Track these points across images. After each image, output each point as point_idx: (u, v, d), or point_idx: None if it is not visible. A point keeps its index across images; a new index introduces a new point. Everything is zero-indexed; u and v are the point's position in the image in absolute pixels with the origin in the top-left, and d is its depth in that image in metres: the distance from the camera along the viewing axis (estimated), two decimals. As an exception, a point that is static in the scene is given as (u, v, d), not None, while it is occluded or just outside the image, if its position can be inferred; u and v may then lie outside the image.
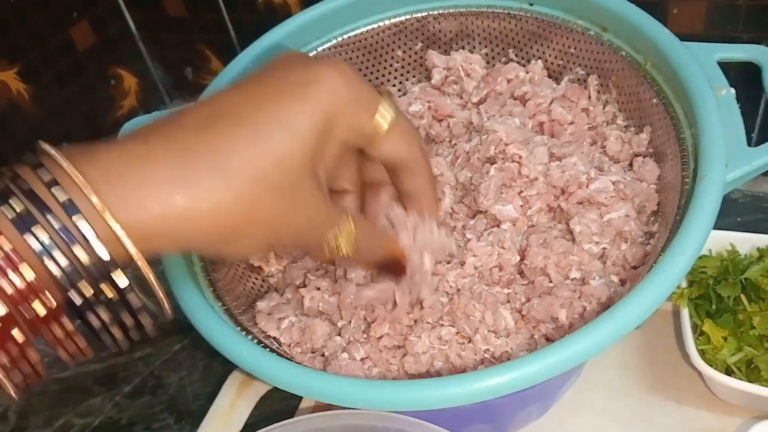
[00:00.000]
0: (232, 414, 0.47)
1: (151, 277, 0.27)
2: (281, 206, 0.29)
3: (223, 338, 0.35)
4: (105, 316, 0.27)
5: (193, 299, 0.38)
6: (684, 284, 0.48)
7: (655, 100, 0.43)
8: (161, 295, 0.28)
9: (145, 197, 0.26)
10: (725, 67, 0.42)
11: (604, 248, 0.40)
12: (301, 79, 0.30)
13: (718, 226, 0.51)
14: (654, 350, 0.51)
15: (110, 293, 0.26)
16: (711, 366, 0.44)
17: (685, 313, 0.46)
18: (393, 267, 0.37)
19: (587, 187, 0.42)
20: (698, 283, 0.47)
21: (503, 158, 0.44)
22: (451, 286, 0.40)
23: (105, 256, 0.25)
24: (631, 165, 0.44)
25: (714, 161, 0.35)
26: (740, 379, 0.42)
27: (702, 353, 0.45)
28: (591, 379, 0.50)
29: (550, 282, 0.40)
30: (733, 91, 0.39)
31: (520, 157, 0.43)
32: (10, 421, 0.57)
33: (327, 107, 0.30)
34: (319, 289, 0.43)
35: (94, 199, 0.25)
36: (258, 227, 0.29)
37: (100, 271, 0.25)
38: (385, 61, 0.54)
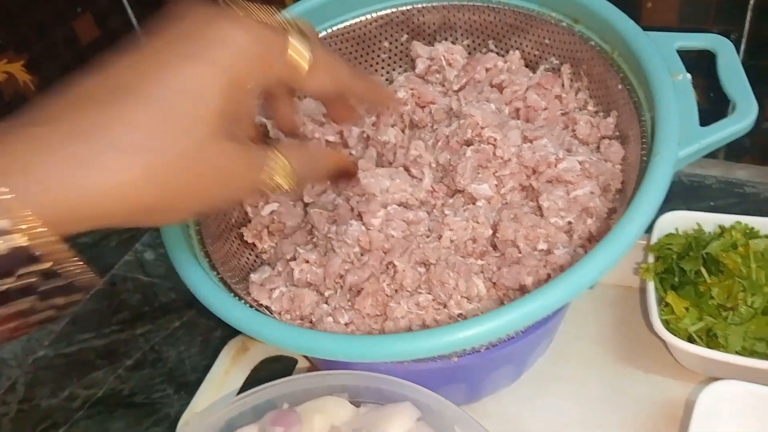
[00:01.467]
0: (227, 380, 0.50)
1: (69, 258, 0.27)
2: (193, 173, 0.28)
3: (217, 300, 0.38)
4: (31, 299, 0.27)
5: (190, 267, 0.41)
6: (651, 260, 0.51)
7: (620, 87, 0.46)
8: (81, 269, 0.28)
9: (52, 184, 0.26)
10: (686, 54, 0.45)
11: (570, 222, 0.43)
12: (202, 40, 0.29)
13: (691, 209, 0.55)
14: (623, 324, 0.55)
15: (33, 278, 0.26)
16: (674, 335, 0.47)
17: (651, 286, 0.50)
18: (344, 173, 0.40)
19: (556, 166, 0.45)
20: (664, 258, 0.51)
21: (479, 141, 0.47)
22: (428, 258, 0.43)
23: (21, 243, 0.25)
24: (598, 147, 0.47)
25: (667, 139, 0.38)
26: (701, 346, 0.45)
27: (666, 323, 0.48)
28: (563, 351, 0.53)
29: (519, 253, 0.43)
30: (689, 76, 0.42)
31: (495, 140, 0.47)
32: (18, 393, 0.60)
33: (232, 66, 0.29)
34: (307, 261, 0.46)
35: (4, 190, 0.25)
36: (174, 198, 0.28)
37: (20, 259, 0.25)
38: (373, 51, 0.58)
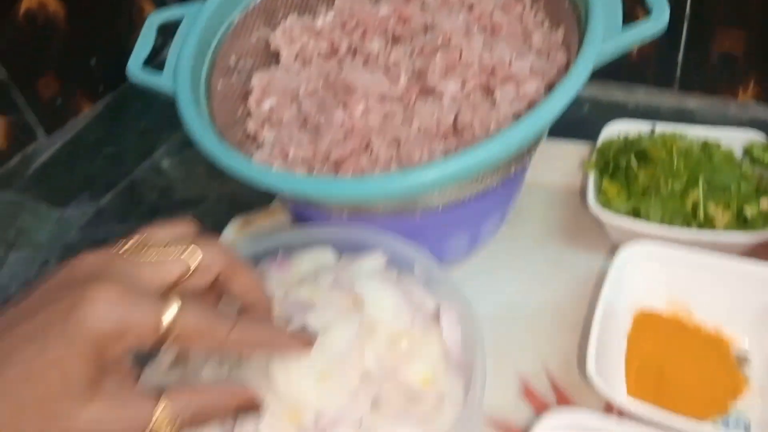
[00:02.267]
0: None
1: None
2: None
3: (229, 157, 0.48)
4: None
5: (199, 126, 0.50)
6: (594, 157, 0.60)
7: (567, 5, 0.55)
8: None
9: None
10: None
11: (518, 111, 0.52)
12: (60, 315, 0.29)
13: None
14: (567, 215, 0.64)
15: None
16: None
17: (591, 177, 0.59)
18: (248, 408, 0.37)
19: (510, 67, 0.54)
20: (603, 154, 0.60)
21: (448, 47, 0.56)
22: (400, 137, 0.52)
23: None
24: (548, 55, 0.56)
25: (593, 36, 0.47)
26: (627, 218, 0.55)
27: (601, 208, 0.57)
28: (513, 234, 0.63)
29: (475, 135, 0.52)
30: (618, -12, 0.50)
31: (461, 46, 0.55)
32: (51, 270, 0.70)
33: (92, 337, 0.29)
34: (300, 143, 0.55)
35: None
36: None
37: None
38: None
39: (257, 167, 0.47)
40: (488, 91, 0.55)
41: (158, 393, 0.32)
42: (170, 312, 0.32)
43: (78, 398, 0.29)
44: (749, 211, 0.51)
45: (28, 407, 0.28)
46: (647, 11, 0.49)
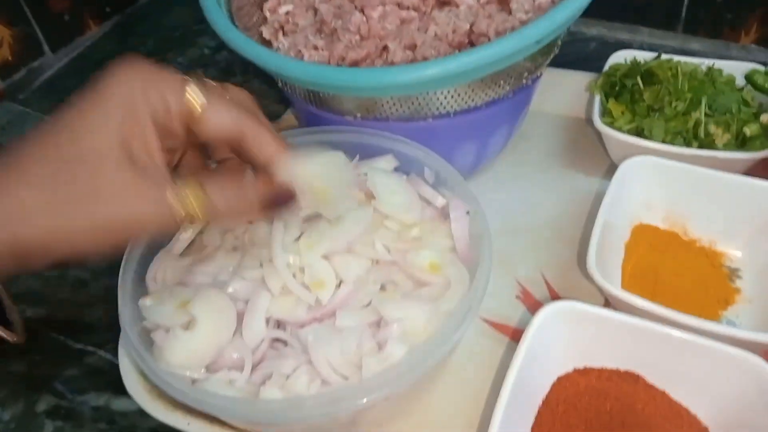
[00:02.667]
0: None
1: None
2: (90, 200, 0.31)
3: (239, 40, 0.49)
4: None
5: (225, 23, 0.51)
6: (600, 79, 0.62)
7: None
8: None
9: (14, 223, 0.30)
10: None
11: (531, 17, 0.53)
12: (101, 84, 0.33)
13: None
14: (571, 141, 0.66)
15: None
16: (613, 136, 0.58)
17: (596, 97, 0.60)
18: (280, 201, 0.37)
19: (526, -20, 0.54)
20: (609, 77, 0.61)
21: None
22: (416, 42, 0.53)
23: None
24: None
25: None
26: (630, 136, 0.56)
27: (609, 125, 0.59)
28: (517, 159, 0.64)
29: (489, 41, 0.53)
30: None
31: (478, -41, 0.56)
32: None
33: (125, 102, 0.32)
34: (316, 48, 0.56)
35: None
36: (72, 228, 0.31)
37: None
38: None
39: (281, 57, 0.48)
40: (504, 3, 0.56)
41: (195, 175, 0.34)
42: (193, 85, 0.34)
43: (107, 156, 0.31)
44: (748, 130, 0.53)
45: (70, 167, 0.31)
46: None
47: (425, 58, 0.52)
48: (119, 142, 0.31)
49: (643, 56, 0.63)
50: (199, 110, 0.34)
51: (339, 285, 0.45)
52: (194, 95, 0.34)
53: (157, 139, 0.33)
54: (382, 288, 0.46)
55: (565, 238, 0.58)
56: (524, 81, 0.53)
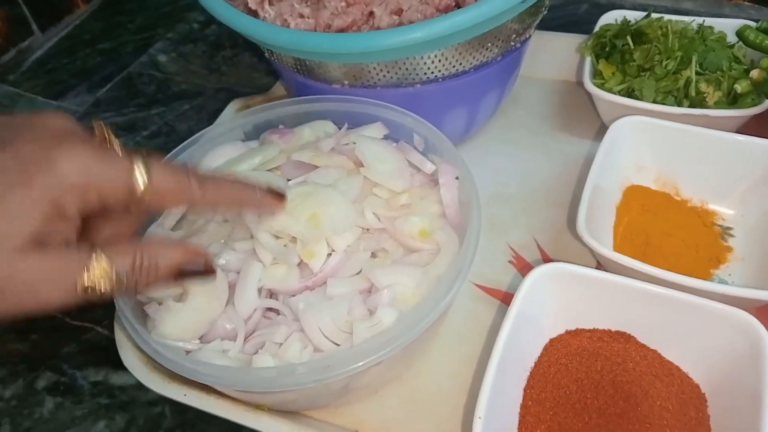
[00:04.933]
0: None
1: None
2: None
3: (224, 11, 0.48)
4: None
5: None
6: (591, 41, 0.61)
7: None
8: None
9: None
10: None
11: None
12: (33, 167, 0.31)
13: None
14: (563, 105, 0.66)
15: None
16: (602, 98, 0.57)
17: (587, 58, 0.59)
18: (195, 270, 0.36)
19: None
20: (600, 38, 0.60)
21: None
22: (402, 6, 0.52)
23: None
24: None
25: None
26: (620, 96, 0.56)
27: (600, 86, 0.58)
28: (510, 124, 0.64)
29: (476, 5, 0.52)
30: None
31: None
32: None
33: (54, 193, 0.31)
34: (302, 15, 0.55)
35: None
36: None
37: None
38: None
39: (267, 26, 0.48)
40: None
41: (92, 248, 0.33)
42: (141, 169, 0.33)
43: (19, 244, 0.30)
44: (739, 87, 0.52)
45: None
46: None
47: (411, 23, 0.51)
48: (35, 230, 0.31)
49: (634, 16, 0.62)
50: (141, 189, 0.33)
51: (330, 254, 0.45)
52: (138, 176, 0.33)
53: (77, 229, 0.33)
54: (373, 255, 0.46)
55: (557, 202, 0.57)
56: (513, 44, 0.53)
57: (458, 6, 0.54)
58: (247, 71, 0.53)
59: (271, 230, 0.44)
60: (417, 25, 0.45)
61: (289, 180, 0.48)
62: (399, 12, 0.53)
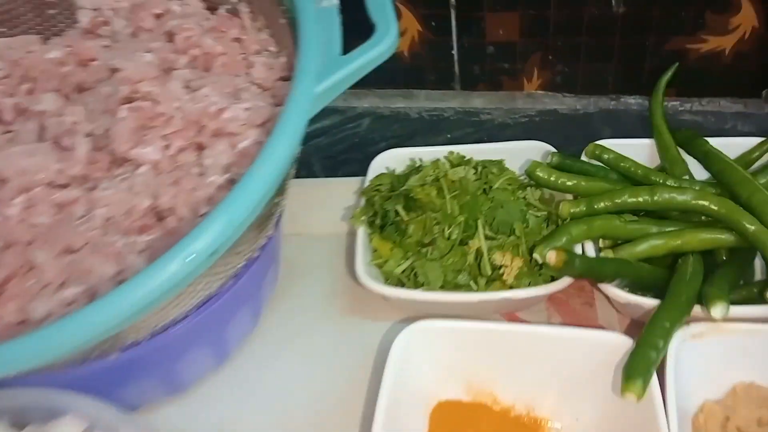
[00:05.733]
0: None
1: None
2: None
3: None
4: None
5: None
6: (361, 204, 0.48)
7: (283, 21, 0.42)
8: None
9: None
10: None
11: (233, 179, 0.39)
12: None
13: (429, 144, 0.52)
14: (344, 274, 0.51)
15: None
16: (388, 279, 0.45)
17: (360, 232, 0.47)
18: None
19: (218, 117, 0.40)
20: (370, 201, 0.48)
21: (138, 98, 0.41)
22: (73, 244, 0.37)
23: None
24: (272, 89, 0.43)
25: (303, 74, 0.34)
26: (398, 288, 0.43)
27: (379, 268, 0.46)
28: (287, 310, 0.50)
29: (180, 221, 0.38)
30: (336, 1, 0.38)
31: (154, 94, 0.41)
32: None
33: None
34: None
35: None
36: None
37: None
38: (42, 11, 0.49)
39: None
40: (200, 150, 0.42)
41: None
42: None
43: None
44: (539, 256, 0.41)
45: None
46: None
47: (90, 271, 0.36)
48: None
49: (410, 155, 0.51)
50: None
51: None
52: None
53: None
54: None
55: (348, 414, 0.44)
56: (239, 264, 0.39)
57: (159, 219, 0.39)
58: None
59: None
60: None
61: None
62: (71, 250, 0.37)
